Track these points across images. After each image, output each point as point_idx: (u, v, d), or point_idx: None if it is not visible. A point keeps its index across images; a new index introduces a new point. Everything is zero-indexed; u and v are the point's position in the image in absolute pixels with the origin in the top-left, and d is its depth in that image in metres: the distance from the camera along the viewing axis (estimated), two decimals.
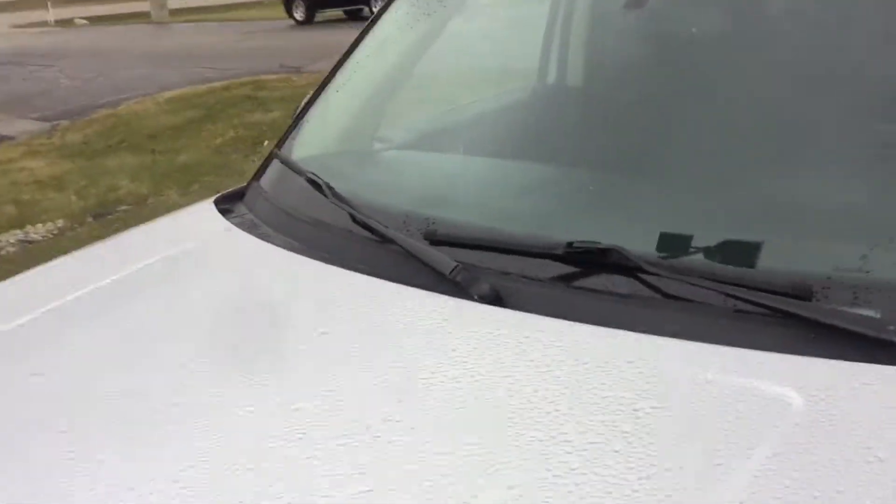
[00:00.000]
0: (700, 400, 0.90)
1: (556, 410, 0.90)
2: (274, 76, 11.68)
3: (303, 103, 2.06)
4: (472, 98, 2.04)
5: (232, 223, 1.57)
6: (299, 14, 21.40)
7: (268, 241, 1.47)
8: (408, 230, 1.34)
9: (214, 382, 1.04)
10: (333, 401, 0.96)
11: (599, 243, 1.14)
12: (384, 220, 1.37)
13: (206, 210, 1.66)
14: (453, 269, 1.20)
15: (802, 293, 1.02)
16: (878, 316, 0.97)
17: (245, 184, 1.81)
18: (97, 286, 1.36)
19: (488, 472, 0.82)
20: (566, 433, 0.86)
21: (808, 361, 0.93)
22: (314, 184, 1.53)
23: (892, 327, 0.94)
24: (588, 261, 1.15)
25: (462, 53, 2.06)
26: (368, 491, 0.82)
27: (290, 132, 1.84)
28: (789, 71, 1.33)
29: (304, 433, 0.90)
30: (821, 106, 1.28)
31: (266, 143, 7.81)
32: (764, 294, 1.02)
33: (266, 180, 1.75)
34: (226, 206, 1.70)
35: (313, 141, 1.81)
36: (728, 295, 1.04)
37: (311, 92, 1.91)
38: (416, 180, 1.65)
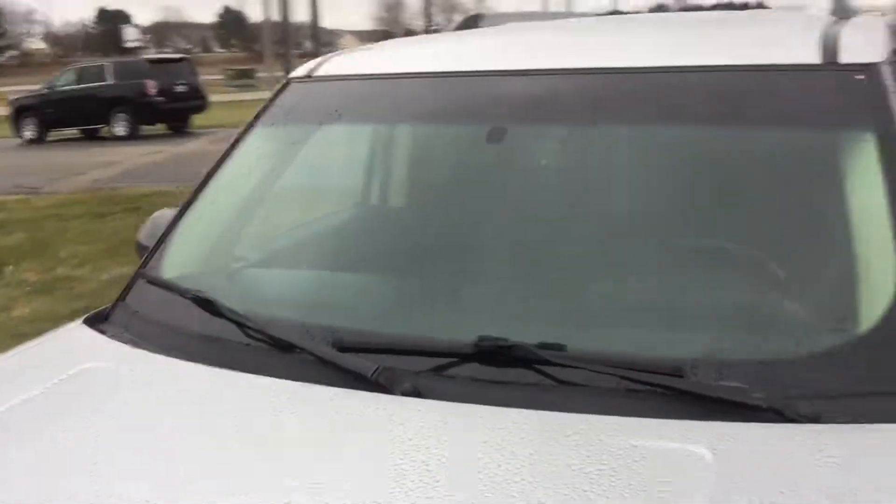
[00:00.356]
0: (634, 461, 1.09)
1: (524, 480, 1.05)
2: (10, 197, 10.90)
3: (147, 223, 2.10)
4: (318, 216, 2.19)
5: (120, 342, 1.57)
6: (29, 132, 20.16)
7: (167, 355, 1.49)
8: (312, 339, 1.44)
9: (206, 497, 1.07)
10: (326, 491, 1.03)
11: (506, 340, 1.33)
12: (284, 330, 1.47)
13: (81, 332, 1.64)
14: (374, 371, 1.33)
15: (678, 371, 1.26)
16: (744, 386, 1.23)
17: (107, 305, 1.80)
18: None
19: None
20: (540, 497, 1.02)
21: (701, 424, 1.17)
22: (199, 301, 1.59)
23: (756, 394, 1.21)
24: (496, 357, 1.32)
25: (304, 179, 2.21)
26: None
27: (153, 254, 1.86)
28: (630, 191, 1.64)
29: None
30: (673, 222, 1.59)
31: (11, 268, 7.24)
32: (648, 374, 1.26)
33: (136, 300, 1.75)
34: (101, 327, 1.68)
35: (180, 261, 1.85)
36: (622, 377, 1.26)
37: (172, 216, 1.96)
38: (295, 293, 1.75)
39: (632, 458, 1.10)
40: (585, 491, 1.03)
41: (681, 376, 1.26)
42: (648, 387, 1.25)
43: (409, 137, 2.19)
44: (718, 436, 1.14)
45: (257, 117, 2.07)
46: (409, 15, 77.44)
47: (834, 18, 2.06)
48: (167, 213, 2.12)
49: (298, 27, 32.60)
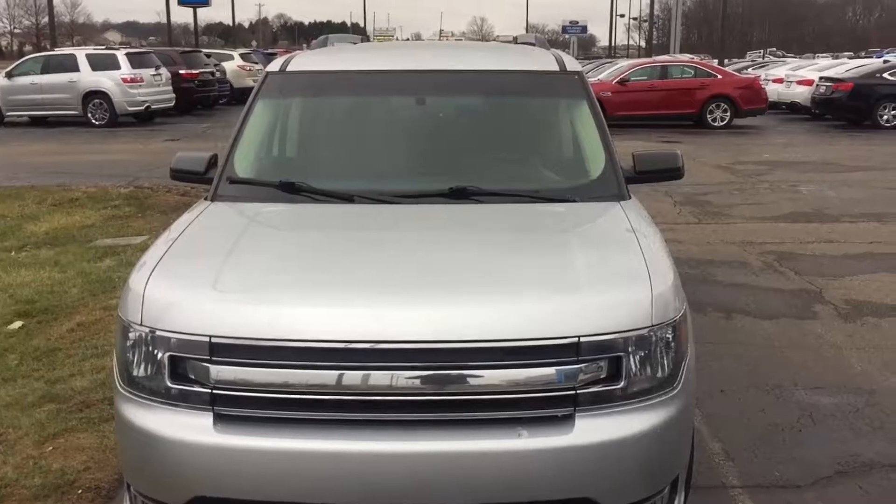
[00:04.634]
0: (532, 210, 2.94)
1: (477, 225, 2.85)
2: None
3: (174, 160, 3.48)
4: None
5: (253, 202, 3.07)
6: None
7: (288, 206, 3.02)
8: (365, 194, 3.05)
9: (355, 246, 2.75)
10: (401, 233, 2.74)
11: (462, 186, 3.06)
12: (345, 192, 3.06)
13: (216, 205, 3.08)
14: (408, 199, 3.01)
15: (536, 192, 3.11)
16: (567, 194, 3.11)
17: (205, 198, 3.18)
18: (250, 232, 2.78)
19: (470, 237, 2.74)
20: (489, 228, 2.81)
21: (559, 204, 3.03)
22: (284, 184, 3.09)
23: (568, 196, 3.08)
24: (453, 192, 3.05)
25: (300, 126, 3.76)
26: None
27: (224, 168, 3.27)
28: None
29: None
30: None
31: None
32: (525, 194, 3.08)
33: (229, 190, 3.17)
34: (223, 202, 3.11)
35: (244, 169, 3.29)
36: (513, 195, 3.07)
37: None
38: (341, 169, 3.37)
39: (525, 214, 2.95)
40: (515, 226, 2.82)
41: (537, 192, 3.11)
42: (527, 199, 3.06)
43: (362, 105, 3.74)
44: (561, 207, 3.02)
45: (255, 95, 3.54)
46: None
47: (544, 48, 4.10)
48: (184, 154, 3.51)
49: None
